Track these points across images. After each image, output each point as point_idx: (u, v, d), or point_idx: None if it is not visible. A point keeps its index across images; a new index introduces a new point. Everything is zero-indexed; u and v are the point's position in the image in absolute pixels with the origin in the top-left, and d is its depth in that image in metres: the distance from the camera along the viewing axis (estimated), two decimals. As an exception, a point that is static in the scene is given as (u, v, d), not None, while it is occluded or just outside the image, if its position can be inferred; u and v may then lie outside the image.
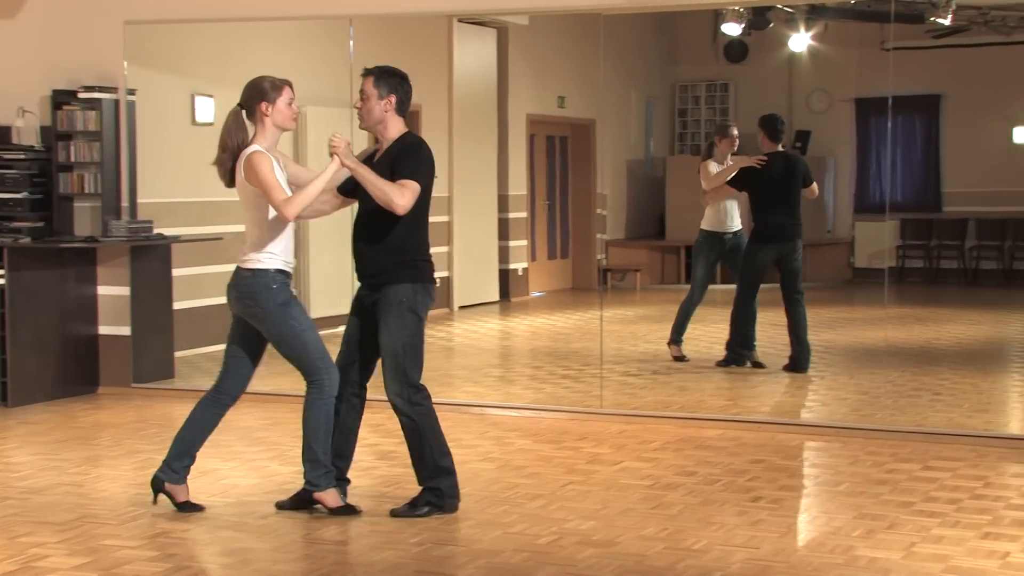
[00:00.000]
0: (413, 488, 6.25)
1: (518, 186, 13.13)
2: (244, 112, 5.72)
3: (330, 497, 5.75)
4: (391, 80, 5.73)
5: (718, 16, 12.34)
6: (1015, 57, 14.37)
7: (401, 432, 5.84)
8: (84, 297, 9.12)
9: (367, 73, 5.77)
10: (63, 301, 8.96)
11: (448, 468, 5.80)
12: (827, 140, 12.88)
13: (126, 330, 9.10)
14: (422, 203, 5.69)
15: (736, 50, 14.56)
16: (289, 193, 5.60)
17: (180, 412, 8.38)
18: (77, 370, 9.07)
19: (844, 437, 7.44)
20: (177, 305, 9.42)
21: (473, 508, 5.91)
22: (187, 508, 5.85)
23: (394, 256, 5.69)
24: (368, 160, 5.75)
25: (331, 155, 5.60)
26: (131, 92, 9.15)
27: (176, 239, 9.27)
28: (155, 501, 5.89)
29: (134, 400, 8.86)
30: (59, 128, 9.08)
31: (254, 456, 7.05)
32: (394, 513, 5.78)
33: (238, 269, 5.74)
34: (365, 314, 5.80)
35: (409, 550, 5.27)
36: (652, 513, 5.80)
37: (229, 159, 5.66)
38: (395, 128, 5.75)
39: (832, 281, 12.70)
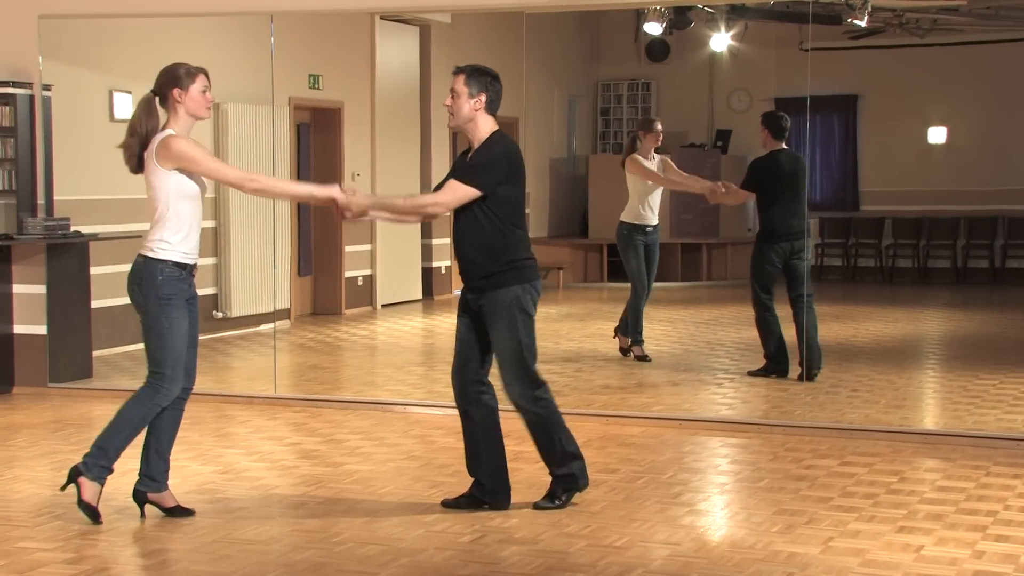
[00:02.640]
0: (335, 487, 6.23)
1: (441, 184, 13.11)
2: (157, 99, 5.61)
3: (89, 489, 5.57)
4: (482, 79, 5.69)
5: (640, 15, 12.43)
6: (929, 59, 14.65)
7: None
8: (-1, 296, 8.97)
9: (458, 71, 5.72)
10: (-23, 300, 8.80)
11: (576, 453, 5.84)
12: (748, 139, 13.01)
13: (42, 329, 8.95)
14: (514, 202, 5.67)
15: (658, 49, 14.68)
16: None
17: (99, 412, 8.30)
18: (-8, 370, 8.92)
19: (764, 434, 7.52)
20: (95, 303, 9.29)
21: (396, 506, 5.90)
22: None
23: (498, 260, 5.67)
24: (463, 156, 5.78)
25: (342, 217, 5.66)
26: (47, 88, 9.00)
27: (94, 237, 9.14)
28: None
29: (51, 400, 8.72)
30: (-28, 124, 8.93)
31: (174, 456, 6.95)
32: (537, 506, 5.81)
33: (136, 256, 5.60)
34: (473, 314, 5.79)
35: (331, 549, 5.24)
36: (574, 510, 5.82)
37: (136, 144, 5.53)
38: (484, 127, 5.71)
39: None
